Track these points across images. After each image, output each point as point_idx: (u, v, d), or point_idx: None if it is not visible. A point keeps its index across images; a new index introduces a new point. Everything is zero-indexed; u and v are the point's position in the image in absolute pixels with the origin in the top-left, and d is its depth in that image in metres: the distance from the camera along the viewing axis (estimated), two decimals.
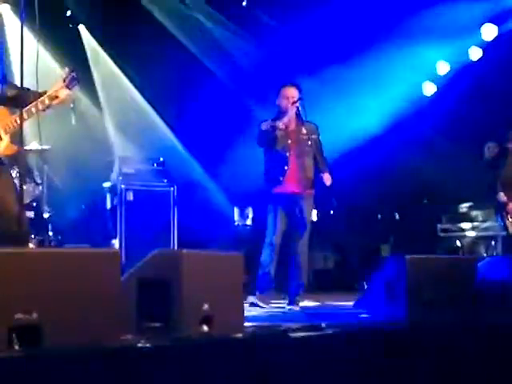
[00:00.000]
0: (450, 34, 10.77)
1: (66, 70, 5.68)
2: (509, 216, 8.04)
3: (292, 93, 7.13)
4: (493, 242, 10.42)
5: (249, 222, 10.90)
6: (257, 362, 3.84)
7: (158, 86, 10.41)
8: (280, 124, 7.03)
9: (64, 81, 5.58)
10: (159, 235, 8.72)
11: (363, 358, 4.22)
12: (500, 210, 8.13)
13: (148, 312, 4.08)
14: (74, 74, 5.64)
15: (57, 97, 5.53)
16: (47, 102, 5.48)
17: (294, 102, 7.04)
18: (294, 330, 4.18)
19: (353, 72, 9.94)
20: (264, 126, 7.15)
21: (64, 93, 5.58)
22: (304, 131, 7.15)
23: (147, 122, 10.36)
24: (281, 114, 7.15)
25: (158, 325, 4.04)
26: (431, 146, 11.46)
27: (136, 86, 10.56)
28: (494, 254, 10.10)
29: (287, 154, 7.04)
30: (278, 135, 7.01)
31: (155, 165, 9.13)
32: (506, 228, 8.12)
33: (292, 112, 7.06)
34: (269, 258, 7.04)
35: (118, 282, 3.87)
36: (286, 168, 7.02)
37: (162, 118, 10.57)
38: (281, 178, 7.02)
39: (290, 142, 7.09)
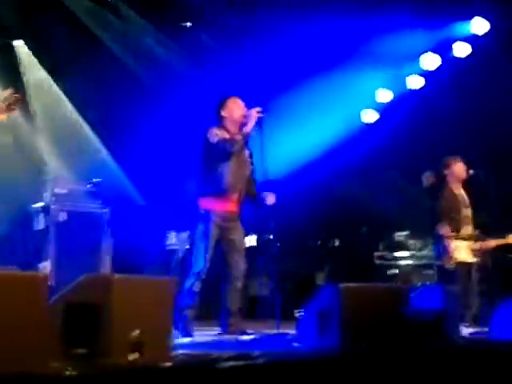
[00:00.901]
0: (392, 62, 10.92)
1: (9, 91, 5.55)
2: (447, 250, 8.05)
3: (242, 104, 6.87)
4: (428, 271, 10.51)
5: (185, 245, 10.79)
6: None
7: (95, 106, 10.27)
8: (247, 130, 6.67)
9: (5, 102, 5.45)
10: (92, 258, 8.53)
11: None
12: (439, 240, 8.14)
13: (76, 338, 3.97)
14: (17, 95, 5.51)
15: None
16: None
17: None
18: (225, 359, 4.11)
19: (294, 98, 9.98)
20: (219, 136, 6.72)
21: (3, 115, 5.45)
22: (247, 151, 6.94)
23: (83, 142, 10.20)
24: (227, 124, 6.80)
25: (85, 351, 3.93)
26: (371, 173, 11.56)
27: (73, 105, 10.39)
28: (428, 282, 10.17)
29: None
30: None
31: (90, 185, 8.96)
32: (441, 258, 8.13)
33: (254, 120, 6.69)
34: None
35: (45, 306, 3.75)
36: (227, 184, 6.70)
37: (100, 138, 10.42)
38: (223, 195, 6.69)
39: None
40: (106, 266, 8.60)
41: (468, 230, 8.26)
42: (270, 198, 6.87)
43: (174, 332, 6.34)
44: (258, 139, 6.72)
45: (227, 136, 6.77)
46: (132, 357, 3.97)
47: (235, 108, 6.86)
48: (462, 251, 8.11)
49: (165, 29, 10.86)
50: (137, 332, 4.02)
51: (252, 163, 6.96)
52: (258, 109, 6.72)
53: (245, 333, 6.59)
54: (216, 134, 6.72)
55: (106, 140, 10.46)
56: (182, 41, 10.98)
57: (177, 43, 10.97)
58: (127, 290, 4.08)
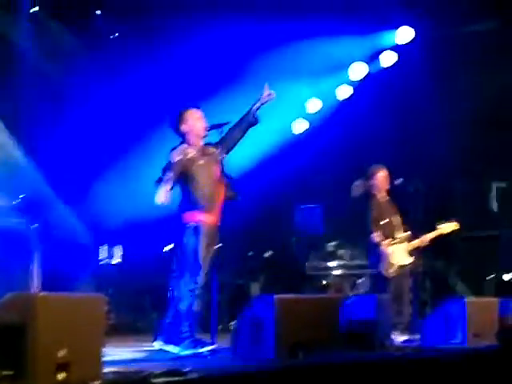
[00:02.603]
0: (321, 72, 10.97)
1: None
2: (384, 257, 8.10)
3: (202, 114, 6.59)
4: (359, 280, 10.57)
5: (117, 260, 10.64)
6: None
7: (18, 119, 10.03)
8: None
9: None
10: (20, 277, 8.29)
11: None
12: (373, 249, 8.20)
13: (1, 359, 3.82)
14: None
15: None
16: None
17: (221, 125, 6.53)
18: (156, 376, 4.02)
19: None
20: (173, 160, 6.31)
21: None
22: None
23: (7, 156, 9.93)
24: (190, 139, 6.50)
25: (10, 373, 3.79)
26: (301, 182, 11.60)
27: None
28: (360, 292, 10.23)
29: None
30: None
31: (15, 201, 8.72)
32: (377, 268, 8.17)
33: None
34: None
35: None
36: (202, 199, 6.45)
37: (24, 152, 10.18)
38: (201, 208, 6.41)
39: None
40: (35, 284, 8.37)
41: (400, 234, 8.34)
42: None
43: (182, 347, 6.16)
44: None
45: (181, 157, 6.36)
46: (59, 377, 3.85)
47: (195, 120, 6.56)
48: (399, 255, 8.19)
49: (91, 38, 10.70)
50: (64, 351, 3.89)
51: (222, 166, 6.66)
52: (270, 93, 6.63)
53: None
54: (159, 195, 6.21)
55: (32, 155, 10.22)
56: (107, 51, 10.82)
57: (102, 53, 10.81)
58: (53, 308, 3.96)
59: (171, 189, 6.18)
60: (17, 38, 10.00)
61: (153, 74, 10.83)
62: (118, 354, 6.14)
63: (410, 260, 8.32)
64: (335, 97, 11.59)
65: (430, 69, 10.85)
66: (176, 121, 6.61)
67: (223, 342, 6.23)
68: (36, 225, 8.65)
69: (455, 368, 5.70)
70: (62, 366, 3.89)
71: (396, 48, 11.24)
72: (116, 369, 4.54)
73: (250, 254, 12.06)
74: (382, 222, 8.17)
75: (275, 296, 5.61)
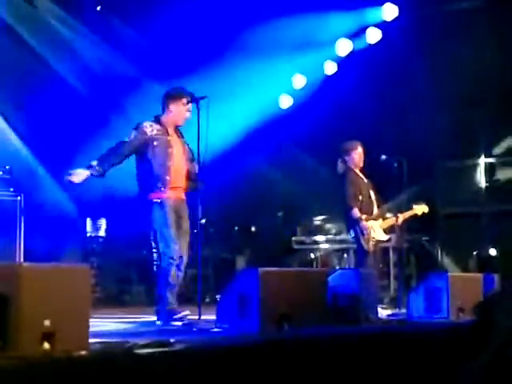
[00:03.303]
0: (306, 48, 10.93)
1: None
2: (365, 232, 8.14)
3: (190, 107, 6.76)
4: (345, 255, 10.62)
5: (102, 233, 10.62)
6: (102, 380, 3.65)
7: (4, 91, 9.95)
8: None
9: None
10: (4, 248, 8.27)
11: (213, 374, 4.09)
12: (353, 225, 8.23)
13: None
14: None
15: None
16: None
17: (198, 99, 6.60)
18: (141, 346, 4.02)
19: (208, 83, 9.88)
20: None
21: None
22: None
23: None
24: (169, 119, 6.71)
25: None
26: (288, 158, 11.59)
27: None
28: (347, 266, 10.28)
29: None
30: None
31: (0, 173, 8.66)
32: (359, 243, 8.22)
33: None
34: None
35: None
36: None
37: (9, 124, 10.11)
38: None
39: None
40: (19, 255, 8.35)
41: (376, 210, 8.38)
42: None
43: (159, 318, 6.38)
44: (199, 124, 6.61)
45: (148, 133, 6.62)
46: (45, 346, 3.84)
47: (184, 110, 6.73)
48: (377, 231, 8.23)
49: (74, 13, 10.62)
50: (49, 321, 3.88)
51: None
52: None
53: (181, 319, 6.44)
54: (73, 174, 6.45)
55: (18, 127, 10.16)
56: (92, 25, 10.76)
57: (86, 27, 10.74)
58: (37, 279, 3.93)
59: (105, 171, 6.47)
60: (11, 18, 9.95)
61: (136, 44, 10.79)
62: (103, 325, 6.16)
63: (386, 237, 8.38)
64: (320, 73, 11.55)
65: (415, 46, 10.84)
66: (170, 96, 6.78)
67: (209, 314, 6.24)
68: (21, 196, 8.62)
69: (438, 341, 5.73)
70: (47, 336, 3.88)
71: (381, 25, 11.20)
72: (102, 340, 4.54)
73: (236, 228, 12.08)
74: (359, 198, 8.21)
75: (260, 269, 5.61)
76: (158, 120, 6.76)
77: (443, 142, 11.20)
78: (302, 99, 11.54)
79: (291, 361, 4.64)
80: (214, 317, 5.96)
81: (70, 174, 6.39)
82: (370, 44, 11.27)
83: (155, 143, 6.62)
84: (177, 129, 6.84)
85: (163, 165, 6.59)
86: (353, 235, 8.29)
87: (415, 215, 8.48)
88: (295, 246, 10.97)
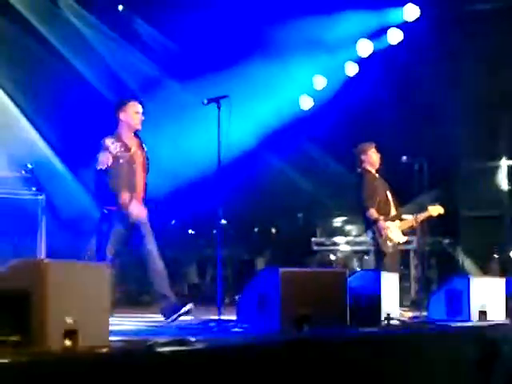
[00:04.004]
0: (327, 49, 10.91)
1: None
2: (382, 233, 8.12)
3: (140, 108, 6.95)
4: (365, 257, 10.58)
5: None
6: (122, 377, 3.66)
7: (28, 91, 10.03)
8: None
9: None
10: (26, 246, 8.34)
11: (233, 373, 4.09)
12: (370, 225, 8.21)
13: (6, 325, 3.83)
14: None
15: None
16: None
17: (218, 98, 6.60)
18: (162, 345, 4.02)
19: (228, 84, 9.90)
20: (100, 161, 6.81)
21: None
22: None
23: (16, 128, 9.93)
24: (123, 128, 6.91)
25: (17, 339, 3.80)
26: (308, 159, 11.57)
27: (6, 93, 10.12)
28: (367, 268, 10.24)
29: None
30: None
31: (23, 172, 8.73)
32: (377, 244, 8.20)
33: None
34: None
35: None
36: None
37: (32, 123, 10.17)
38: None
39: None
40: (40, 253, 8.40)
41: (393, 211, 8.35)
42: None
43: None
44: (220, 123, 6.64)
45: (110, 160, 6.74)
46: (66, 344, 3.86)
47: (134, 114, 6.90)
48: (395, 232, 8.21)
49: (97, 12, 10.68)
50: (70, 318, 3.90)
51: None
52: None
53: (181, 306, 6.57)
54: (100, 162, 6.78)
55: (40, 126, 10.23)
56: (113, 24, 10.81)
57: (108, 26, 10.80)
58: (59, 275, 3.95)
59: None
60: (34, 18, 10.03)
61: (158, 43, 10.83)
62: (124, 324, 6.18)
63: (404, 238, 8.35)
64: (341, 74, 11.53)
65: (437, 47, 10.79)
66: (117, 107, 6.98)
67: (229, 315, 6.24)
68: (43, 195, 8.68)
69: (459, 344, 5.70)
70: (69, 333, 3.90)
71: (402, 25, 11.16)
72: (122, 338, 4.55)
73: (255, 229, 12.09)
74: (376, 199, 8.20)
75: (281, 269, 5.61)
76: (117, 136, 6.90)
77: (465, 144, 11.14)
78: (323, 100, 11.52)
79: (310, 361, 4.63)
80: (233, 317, 5.97)
81: (98, 162, 6.69)
82: (391, 44, 11.23)
83: (121, 161, 6.77)
84: (136, 135, 6.97)
85: (127, 181, 6.78)
86: (370, 236, 8.27)
87: (431, 216, 8.42)
88: (315, 248, 10.96)
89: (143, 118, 6.93)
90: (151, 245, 6.91)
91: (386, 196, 8.34)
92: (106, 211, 6.84)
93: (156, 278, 6.85)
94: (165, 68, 10.86)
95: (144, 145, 7.02)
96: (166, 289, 6.85)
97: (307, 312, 5.56)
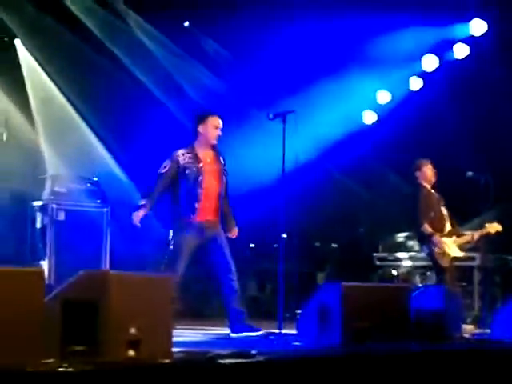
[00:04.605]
0: (391, 64, 10.87)
1: None
2: (438, 247, 8.08)
3: (220, 124, 7.01)
4: (428, 273, 10.46)
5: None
6: None
7: (94, 105, 10.22)
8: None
9: None
10: (91, 257, 8.49)
11: None
12: (425, 241, 8.18)
13: (73, 335, 3.92)
14: None
15: None
16: None
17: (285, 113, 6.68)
18: (224, 357, 4.05)
19: (295, 97, 9.96)
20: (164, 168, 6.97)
21: None
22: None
23: (84, 143, 10.13)
24: (201, 141, 6.99)
25: (82, 348, 3.88)
26: (371, 173, 11.51)
27: (74, 106, 10.34)
28: (429, 283, 10.13)
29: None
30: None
31: (89, 184, 8.90)
32: (432, 259, 8.17)
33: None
34: None
35: (41, 302, 3.70)
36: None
37: (98, 137, 10.36)
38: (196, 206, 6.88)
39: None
40: (105, 265, 8.55)
41: (448, 227, 8.29)
42: (233, 233, 7.09)
43: None
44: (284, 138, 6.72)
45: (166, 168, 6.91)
46: (130, 353, 3.92)
47: (212, 128, 6.97)
48: (451, 247, 8.16)
49: (163, 28, 10.83)
50: (135, 328, 3.96)
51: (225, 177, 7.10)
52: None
53: (254, 329, 6.55)
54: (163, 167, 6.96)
55: (105, 138, 10.41)
56: (180, 41, 10.95)
57: (175, 43, 10.94)
58: (124, 286, 4.03)
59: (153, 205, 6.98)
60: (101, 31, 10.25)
61: (223, 60, 10.94)
62: (185, 336, 6.24)
63: (461, 254, 8.28)
64: (405, 89, 11.47)
65: (503, 62, 10.64)
66: (197, 120, 7.04)
67: (289, 329, 6.24)
68: (108, 207, 8.83)
69: None
70: (133, 343, 3.96)
71: (468, 40, 11.05)
72: (185, 349, 4.60)
73: (317, 243, 12.06)
74: (431, 214, 8.17)
75: (343, 283, 5.60)
76: (190, 148, 7.00)
77: None
78: (387, 114, 11.47)
79: (372, 376, 4.61)
80: (294, 331, 5.97)
81: (134, 220, 7.02)
82: (457, 59, 11.13)
83: (187, 172, 6.86)
84: (214, 147, 7.02)
85: (193, 192, 6.84)
86: (426, 252, 8.25)
87: (489, 233, 8.33)
88: (377, 263, 10.87)
89: (220, 133, 6.98)
90: (228, 258, 6.94)
91: (441, 212, 8.28)
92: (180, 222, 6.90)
93: (231, 292, 6.86)
94: (231, 83, 10.95)
95: (221, 158, 7.06)
96: (239, 304, 6.88)
97: (369, 327, 5.54)
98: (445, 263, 8.09)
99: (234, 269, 6.92)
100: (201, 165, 6.90)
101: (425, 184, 8.34)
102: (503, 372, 5.38)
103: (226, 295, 6.87)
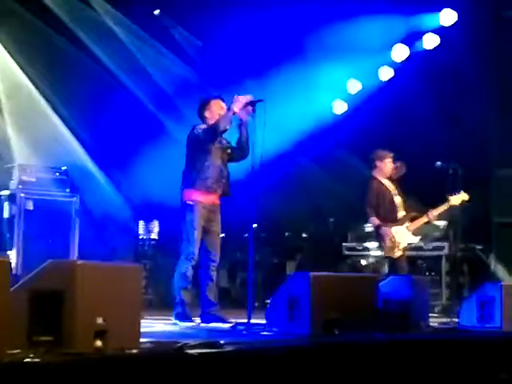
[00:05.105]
0: (362, 53, 10.88)
1: None
2: (386, 238, 8.14)
3: (224, 105, 6.94)
4: None
5: (154, 235, 10.71)
6: (152, 378, 3.69)
7: (63, 94, 10.13)
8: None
9: None
10: (60, 247, 8.43)
11: (262, 376, 4.11)
12: (376, 232, 8.33)
13: (40, 325, 3.89)
14: None
15: None
16: None
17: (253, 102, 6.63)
18: (191, 347, 4.05)
19: (263, 89, 9.93)
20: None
21: None
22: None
23: (52, 131, 10.03)
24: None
25: (49, 338, 3.85)
26: (341, 164, 11.54)
27: (44, 96, 10.24)
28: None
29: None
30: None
31: (58, 174, 8.82)
32: (382, 250, 8.31)
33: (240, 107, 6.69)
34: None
35: (7, 292, 3.66)
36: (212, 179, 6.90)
37: (70, 128, 10.28)
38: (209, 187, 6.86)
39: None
40: (73, 254, 8.49)
41: (401, 215, 8.37)
42: None
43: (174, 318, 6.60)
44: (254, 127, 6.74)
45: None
46: (97, 344, 3.90)
47: (218, 109, 6.94)
48: (403, 235, 8.20)
49: (133, 17, 10.77)
50: (102, 318, 3.95)
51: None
52: (248, 96, 6.68)
53: (225, 321, 6.57)
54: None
55: (74, 126, 10.33)
56: (150, 29, 10.90)
57: (144, 30, 10.88)
58: (92, 276, 4.00)
59: None
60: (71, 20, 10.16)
61: (193, 48, 10.91)
62: (154, 327, 6.22)
63: (415, 239, 8.37)
64: (376, 78, 11.49)
65: (473, 52, 10.69)
66: (201, 107, 7.03)
67: (258, 318, 6.25)
68: (76, 197, 8.77)
69: (490, 351, 5.66)
70: (100, 334, 3.95)
71: (438, 31, 11.09)
72: (152, 340, 4.59)
73: (286, 233, 12.08)
74: (381, 204, 8.26)
75: (311, 273, 5.62)
76: None
77: (500, 149, 11.05)
78: (357, 104, 11.49)
79: (340, 365, 4.64)
80: (263, 321, 5.98)
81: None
82: (427, 49, 11.17)
83: (207, 147, 6.87)
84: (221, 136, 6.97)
85: (205, 168, 6.84)
86: (378, 244, 8.37)
87: (452, 206, 8.31)
88: (346, 253, 10.91)
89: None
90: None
91: (393, 201, 8.35)
92: (191, 202, 6.84)
93: (209, 283, 6.89)
94: (199, 72, 10.92)
95: (230, 143, 7.08)
96: (214, 295, 6.93)
97: (337, 316, 5.56)
98: (394, 254, 8.19)
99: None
100: (217, 145, 6.94)
101: (378, 177, 8.40)
102: (470, 361, 5.43)
103: (202, 280, 6.89)
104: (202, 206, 6.84)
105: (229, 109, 6.72)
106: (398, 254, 8.20)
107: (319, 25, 10.36)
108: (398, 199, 8.40)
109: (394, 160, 8.46)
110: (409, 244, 8.34)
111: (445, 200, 8.27)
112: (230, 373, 4.00)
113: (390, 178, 8.47)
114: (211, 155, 6.90)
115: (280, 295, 5.81)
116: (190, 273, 6.78)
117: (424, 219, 8.34)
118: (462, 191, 8.31)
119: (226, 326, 6.42)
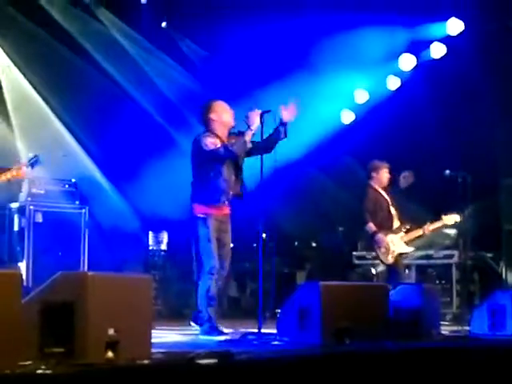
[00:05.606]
0: (369, 63, 10.88)
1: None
2: (381, 245, 8.22)
3: (228, 107, 6.85)
4: (407, 271, 10.50)
5: (163, 246, 10.72)
6: None
7: (72, 107, 10.17)
8: (249, 134, 6.55)
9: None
10: (69, 258, 8.45)
11: None
12: (371, 239, 8.43)
13: (51, 337, 3.90)
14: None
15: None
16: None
17: (261, 113, 6.52)
18: (202, 357, 4.05)
19: (271, 99, 9.95)
20: (212, 143, 6.66)
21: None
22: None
23: (61, 144, 10.06)
24: (216, 128, 6.77)
25: (60, 350, 3.86)
26: (350, 174, 11.54)
27: (51, 108, 10.28)
28: (407, 281, 10.17)
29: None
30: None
31: (67, 186, 8.86)
32: (377, 257, 8.42)
33: (256, 122, 6.55)
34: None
35: (18, 304, 3.68)
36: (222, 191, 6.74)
37: (78, 140, 10.31)
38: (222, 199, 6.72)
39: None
40: (83, 266, 8.51)
41: (396, 224, 8.51)
42: None
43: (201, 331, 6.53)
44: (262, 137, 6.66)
45: (218, 143, 6.70)
46: (108, 355, 3.91)
47: (223, 111, 6.83)
48: (397, 244, 8.34)
49: (141, 29, 10.82)
50: (113, 330, 3.95)
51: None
52: (259, 111, 6.57)
53: (222, 333, 6.55)
54: (210, 143, 6.68)
55: (82, 138, 10.37)
56: (158, 41, 10.95)
57: (152, 43, 10.93)
58: (102, 287, 4.01)
59: None
60: (77, 31, 10.21)
61: (201, 60, 10.94)
62: (165, 337, 6.22)
63: (409, 249, 8.49)
64: (383, 88, 11.49)
65: (480, 61, 10.69)
66: (204, 109, 6.86)
67: (269, 328, 6.24)
68: (85, 209, 8.80)
69: (502, 359, 5.63)
70: (111, 345, 3.95)
71: (445, 40, 11.09)
72: (164, 350, 4.59)
73: (296, 243, 12.07)
74: (378, 213, 8.43)
75: (321, 282, 5.62)
76: (213, 133, 6.79)
77: (509, 157, 11.02)
78: (365, 114, 11.50)
79: (351, 374, 4.62)
80: (274, 331, 5.98)
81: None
82: (434, 59, 11.17)
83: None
84: (230, 136, 6.83)
85: (216, 180, 6.70)
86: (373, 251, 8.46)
87: (445, 226, 8.50)
88: (356, 262, 10.90)
89: (232, 111, 6.84)
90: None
91: (389, 211, 8.49)
92: (203, 215, 6.70)
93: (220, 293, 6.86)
94: (206, 83, 10.95)
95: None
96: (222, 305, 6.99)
97: (348, 325, 5.56)
98: (388, 260, 8.31)
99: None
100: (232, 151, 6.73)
101: (375, 186, 8.58)
102: (482, 369, 5.41)
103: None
104: (214, 218, 6.72)
105: (249, 127, 6.57)
106: (390, 260, 8.33)
107: (326, 35, 10.37)
108: (393, 210, 8.55)
109: (400, 171, 8.57)
110: (402, 254, 8.45)
111: (439, 218, 8.47)
112: (241, 382, 3.99)
113: (385, 189, 8.60)
114: (223, 166, 6.73)
115: (290, 305, 5.80)
116: (214, 289, 6.64)
117: (419, 232, 8.50)
118: (455, 213, 8.49)
119: (222, 337, 6.37)
